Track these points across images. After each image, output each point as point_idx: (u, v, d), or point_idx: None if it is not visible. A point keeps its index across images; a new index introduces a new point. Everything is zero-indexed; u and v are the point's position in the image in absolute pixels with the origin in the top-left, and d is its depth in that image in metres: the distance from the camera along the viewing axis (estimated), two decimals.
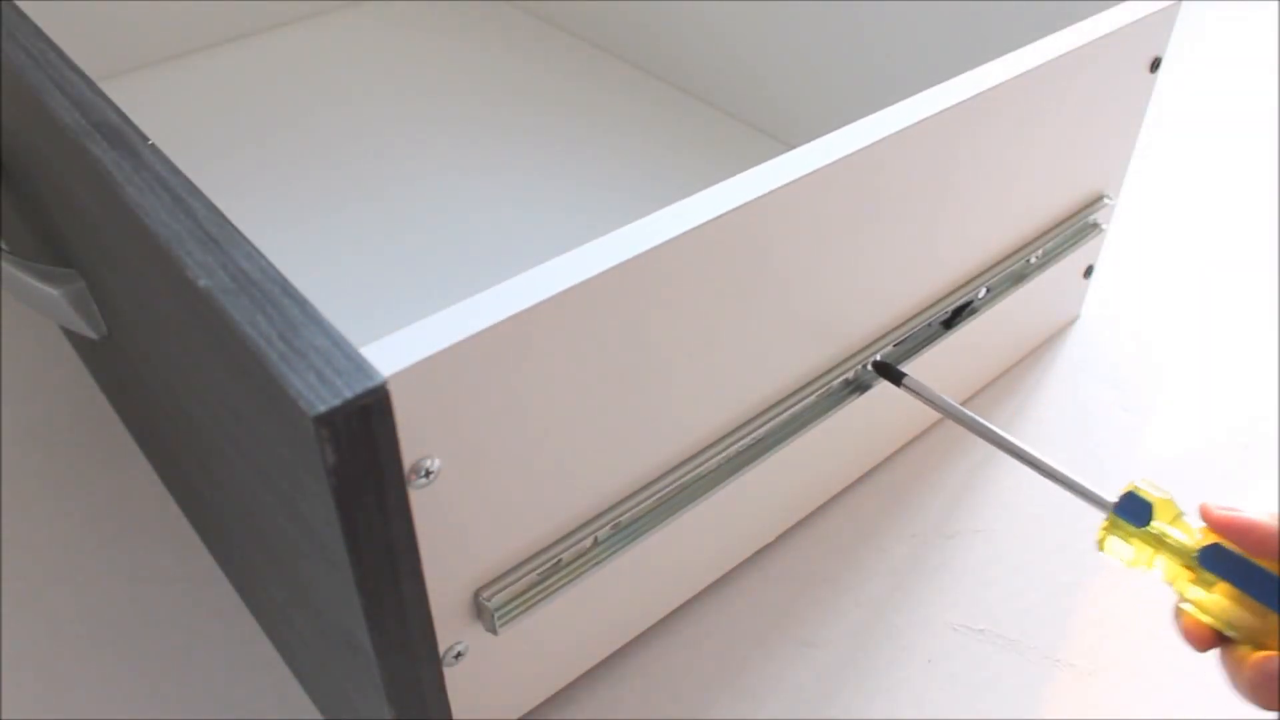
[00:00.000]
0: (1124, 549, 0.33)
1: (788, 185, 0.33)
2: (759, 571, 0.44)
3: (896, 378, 0.41)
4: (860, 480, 0.48)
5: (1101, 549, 0.33)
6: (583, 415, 0.32)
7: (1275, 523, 0.30)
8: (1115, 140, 0.49)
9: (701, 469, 0.37)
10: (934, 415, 0.50)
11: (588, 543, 0.35)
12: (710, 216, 0.31)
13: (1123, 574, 0.44)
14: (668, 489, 0.36)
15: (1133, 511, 0.33)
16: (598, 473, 0.34)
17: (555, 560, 0.34)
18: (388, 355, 0.26)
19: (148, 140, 0.32)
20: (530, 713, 0.39)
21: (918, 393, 0.41)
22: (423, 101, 0.72)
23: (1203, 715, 0.40)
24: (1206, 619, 0.31)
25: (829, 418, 0.41)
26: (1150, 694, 0.40)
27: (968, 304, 0.45)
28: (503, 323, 0.28)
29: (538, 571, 0.33)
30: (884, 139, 0.35)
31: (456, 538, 0.31)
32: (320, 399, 0.24)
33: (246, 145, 0.68)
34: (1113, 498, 0.33)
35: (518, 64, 0.77)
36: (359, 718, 0.33)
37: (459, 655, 0.33)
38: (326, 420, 0.23)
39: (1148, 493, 0.33)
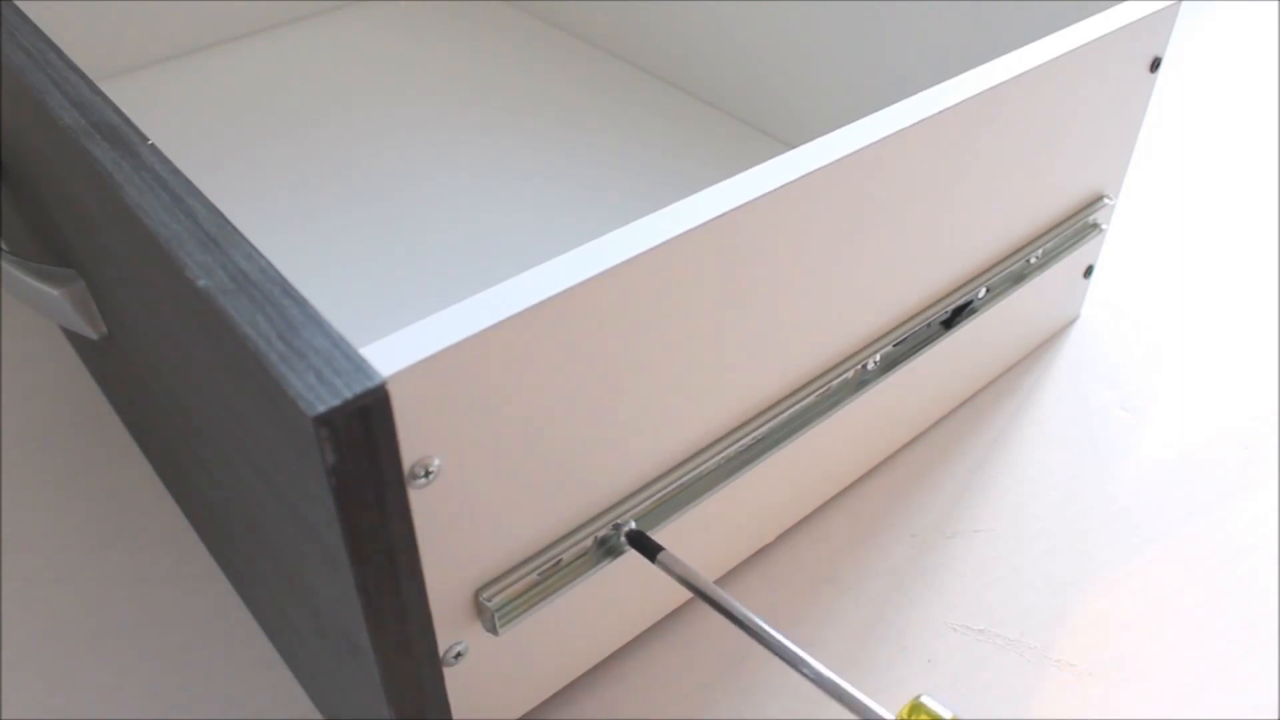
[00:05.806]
0: None
1: (788, 185, 0.33)
2: (758, 571, 0.44)
3: (652, 552, 0.35)
4: (860, 480, 0.48)
5: None
6: (583, 415, 0.32)
7: None
8: (1115, 140, 0.49)
9: (701, 469, 0.37)
10: (935, 416, 0.50)
11: (589, 542, 0.35)
12: (710, 216, 0.31)
13: (1123, 574, 0.44)
14: (668, 488, 0.36)
15: None
16: (598, 473, 0.34)
17: (555, 560, 0.34)
18: (387, 355, 0.26)
19: (148, 140, 0.32)
20: (530, 713, 0.39)
21: (671, 569, 0.35)
22: (422, 101, 0.72)
23: (1203, 715, 0.40)
24: None
25: (829, 418, 0.41)
26: (1150, 694, 0.40)
27: (967, 304, 0.45)
28: (503, 323, 0.28)
29: (538, 571, 0.34)
30: (884, 139, 0.35)
31: (456, 538, 0.31)
32: (320, 399, 0.24)
33: (246, 145, 0.68)
34: (889, 714, 0.29)
35: (518, 64, 0.77)
36: (359, 718, 0.33)
37: (459, 655, 0.33)
38: (326, 420, 0.23)
39: (934, 712, 0.27)
